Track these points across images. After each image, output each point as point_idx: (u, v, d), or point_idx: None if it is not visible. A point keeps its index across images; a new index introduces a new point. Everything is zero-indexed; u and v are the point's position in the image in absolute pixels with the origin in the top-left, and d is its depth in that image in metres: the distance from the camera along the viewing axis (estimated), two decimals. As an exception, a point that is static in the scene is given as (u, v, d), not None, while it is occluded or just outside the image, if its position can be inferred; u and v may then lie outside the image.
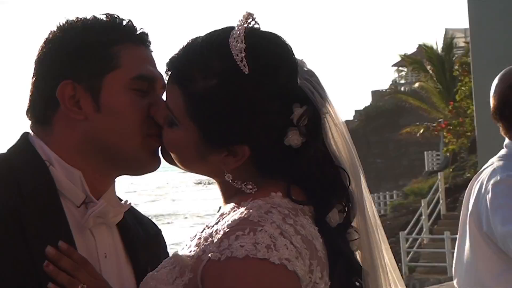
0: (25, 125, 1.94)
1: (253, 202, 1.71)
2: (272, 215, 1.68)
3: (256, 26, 1.79)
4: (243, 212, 1.69)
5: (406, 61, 32.32)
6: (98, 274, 1.79)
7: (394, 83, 48.12)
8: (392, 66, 48.79)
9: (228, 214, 1.73)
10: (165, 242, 2.10)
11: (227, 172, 1.77)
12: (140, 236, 1.99)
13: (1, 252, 1.72)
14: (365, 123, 40.84)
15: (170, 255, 1.81)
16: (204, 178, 1.90)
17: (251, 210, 1.68)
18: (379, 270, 1.81)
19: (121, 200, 1.98)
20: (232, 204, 1.77)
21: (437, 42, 30.13)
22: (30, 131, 1.91)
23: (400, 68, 47.25)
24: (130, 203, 1.97)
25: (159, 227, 2.14)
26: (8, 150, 1.89)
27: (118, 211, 1.91)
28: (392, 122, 39.10)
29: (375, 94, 47.08)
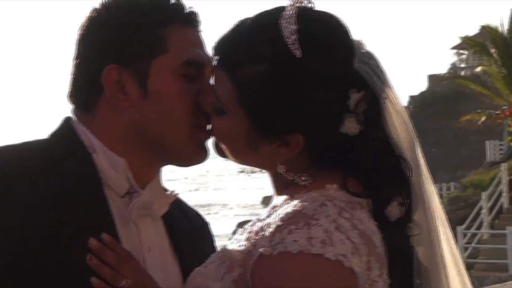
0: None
1: (307, 195, 1.70)
2: (327, 208, 1.67)
3: (309, 5, 1.77)
4: (296, 204, 1.68)
5: (467, 43, 31.86)
6: (142, 268, 1.80)
7: (453, 67, 47.60)
8: (451, 49, 48.28)
9: (280, 207, 1.73)
10: (212, 236, 2.10)
11: (280, 163, 1.77)
12: (186, 229, 1.98)
13: (43, 244, 1.73)
14: (421, 110, 40.44)
15: (218, 249, 1.81)
16: (247, 166, 1.89)
17: (305, 203, 1.67)
18: (440, 268, 1.79)
19: (167, 190, 1.97)
20: (284, 196, 1.76)
21: (502, 23, 29.54)
22: (73, 116, 1.91)
23: (460, 51, 46.68)
24: (176, 194, 1.97)
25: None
26: (51, 136, 1.89)
27: (163, 202, 1.92)
28: (450, 109, 38.67)
29: (432, 78, 46.63)
